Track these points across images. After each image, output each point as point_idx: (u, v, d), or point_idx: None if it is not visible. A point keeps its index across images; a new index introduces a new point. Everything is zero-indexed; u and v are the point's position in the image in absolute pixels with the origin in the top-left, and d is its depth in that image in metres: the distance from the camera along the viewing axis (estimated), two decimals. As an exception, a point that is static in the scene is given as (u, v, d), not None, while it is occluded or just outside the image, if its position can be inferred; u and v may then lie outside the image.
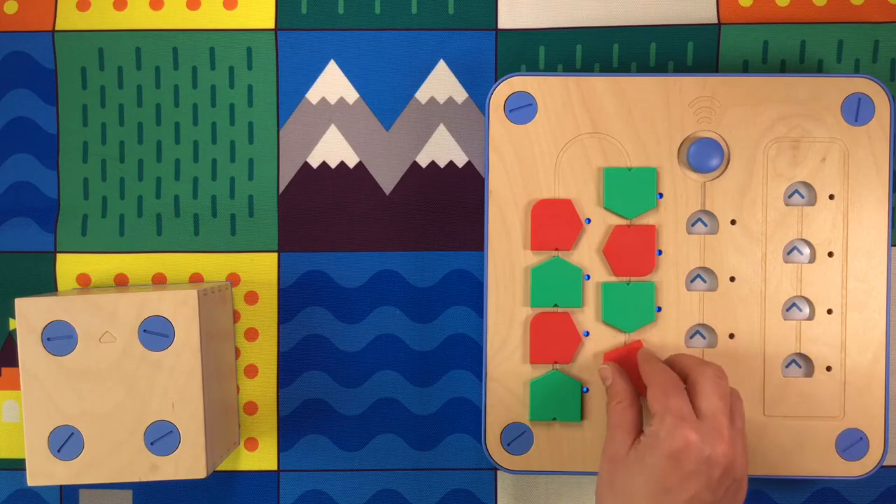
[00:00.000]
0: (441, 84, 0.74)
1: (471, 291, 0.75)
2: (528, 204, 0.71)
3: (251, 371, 0.75)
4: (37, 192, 0.75)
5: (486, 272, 0.71)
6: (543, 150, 0.71)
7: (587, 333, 0.71)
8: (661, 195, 0.71)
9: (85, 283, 0.75)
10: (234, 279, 0.75)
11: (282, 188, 0.75)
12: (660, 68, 0.74)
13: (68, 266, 0.74)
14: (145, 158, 0.75)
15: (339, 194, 0.75)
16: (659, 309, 0.71)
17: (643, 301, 0.70)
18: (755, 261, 0.70)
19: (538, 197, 0.71)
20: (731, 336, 0.70)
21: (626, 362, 0.70)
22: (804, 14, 0.73)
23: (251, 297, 0.75)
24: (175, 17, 0.74)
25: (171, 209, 0.75)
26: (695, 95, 0.70)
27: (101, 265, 0.75)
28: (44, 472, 0.65)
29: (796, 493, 0.75)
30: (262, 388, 0.75)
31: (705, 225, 0.71)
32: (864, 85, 0.70)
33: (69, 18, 0.74)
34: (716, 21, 0.73)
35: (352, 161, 0.75)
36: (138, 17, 0.74)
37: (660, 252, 0.71)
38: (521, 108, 0.70)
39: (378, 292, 0.75)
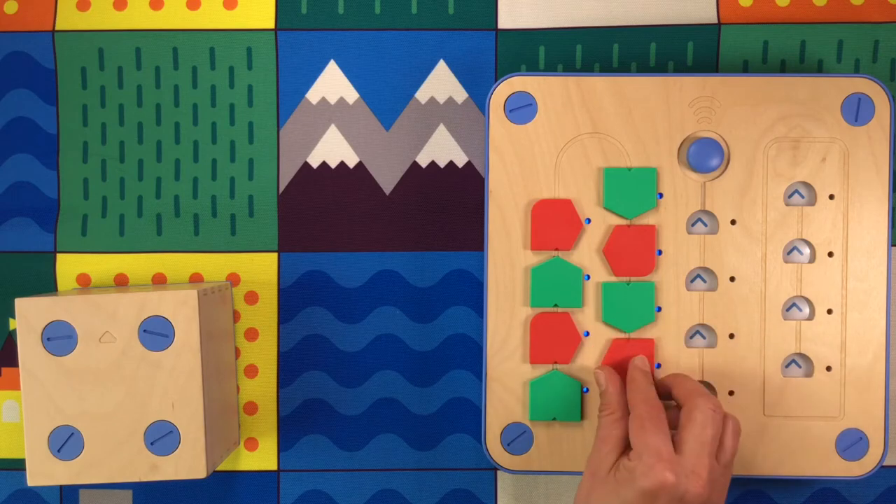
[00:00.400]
0: (441, 84, 0.74)
1: (471, 291, 0.75)
2: (528, 204, 0.71)
3: (251, 371, 0.75)
4: (37, 192, 0.75)
5: (486, 272, 0.71)
6: (543, 150, 0.71)
7: (587, 333, 0.71)
8: (661, 195, 0.71)
9: (85, 283, 0.75)
10: (234, 279, 0.75)
11: (282, 188, 0.75)
12: (660, 68, 0.74)
13: (68, 266, 0.74)
14: (145, 158, 0.75)
15: (339, 194, 0.75)
16: (659, 309, 0.71)
17: (643, 301, 0.70)
18: (755, 261, 0.70)
19: (538, 197, 0.71)
20: (731, 336, 0.70)
21: (625, 365, 0.70)
22: (804, 14, 0.73)
23: (251, 297, 0.75)
24: (175, 17, 0.74)
25: (171, 209, 0.75)
26: (695, 95, 0.70)
27: (101, 265, 0.75)
28: (44, 472, 0.65)
29: (796, 493, 0.75)
30: (262, 388, 0.75)
31: (705, 225, 0.71)
32: (864, 85, 0.70)
33: (69, 18, 0.74)
34: (716, 21, 0.73)
35: (352, 161, 0.75)
36: (138, 17, 0.74)
37: (660, 252, 0.71)
38: (521, 108, 0.70)
39: (378, 292, 0.75)
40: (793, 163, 0.70)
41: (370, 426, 0.75)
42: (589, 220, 0.71)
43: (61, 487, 0.75)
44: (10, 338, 0.75)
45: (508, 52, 0.74)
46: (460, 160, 0.74)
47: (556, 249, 0.71)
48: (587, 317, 0.71)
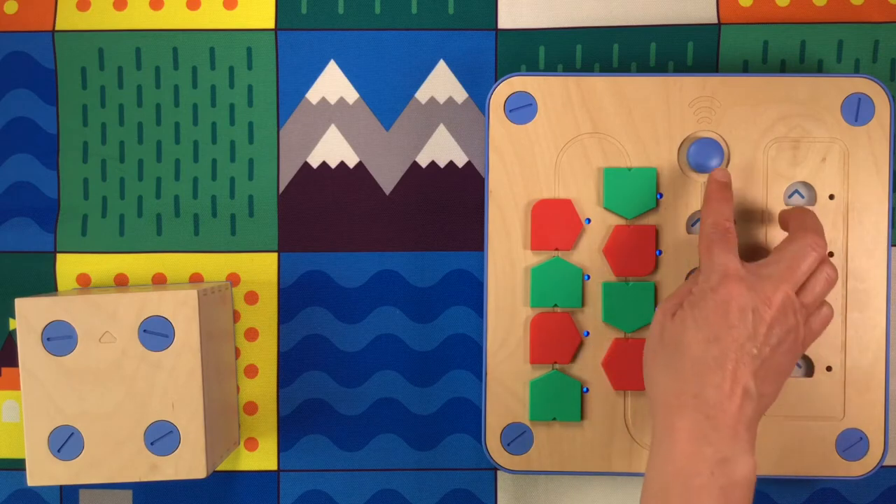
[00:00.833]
0: (441, 84, 0.74)
1: (471, 291, 0.75)
2: (528, 204, 0.71)
3: (251, 371, 0.75)
4: (37, 192, 0.75)
5: (486, 272, 0.71)
6: (543, 150, 0.71)
7: (587, 333, 0.71)
8: (661, 195, 0.71)
9: (85, 283, 0.75)
10: (234, 279, 0.75)
11: (282, 188, 0.75)
12: (660, 68, 0.74)
13: (68, 266, 0.74)
14: (145, 158, 0.75)
15: (339, 194, 0.75)
16: (659, 309, 0.71)
17: (643, 301, 0.70)
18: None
19: (538, 197, 0.71)
20: (731, 336, 0.70)
21: (625, 365, 0.70)
22: (804, 14, 0.73)
23: (251, 297, 0.75)
24: (175, 17, 0.74)
25: (171, 209, 0.75)
26: (695, 95, 0.70)
27: (101, 265, 0.75)
28: (44, 472, 0.65)
29: (796, 493, 0.75)
30: (262, 388, 0.75)
31: (705, 225, 0.71)
32: (864, 85, 0.70)
33: (69, 18, 0.74)
34: (716, 21, 0.73)
35: (352, 161, 0.75)
36: (138, 17, 0.74)
37: (660, 252, 0.71)
38: (521, 108, 0.70)
39: (378, 292, 0.75)
40: (793, 163, 0.70)
41: (370, 426, 0.75)
42: (589, 220, 0.71)
43: (61, 487, 0.75)
44: (10, 338, 0.75)
45: (508, 52, 0.74)
46: (460, 160, 0.74)
47: (556, 249, 0.71)
48: (587, 317, 0.71)
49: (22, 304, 0.65)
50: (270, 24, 0.74)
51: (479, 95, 0.74)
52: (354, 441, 0.75)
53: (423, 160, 0.74)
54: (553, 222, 0.70)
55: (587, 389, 0.71)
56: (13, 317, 0.75)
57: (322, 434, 0.75)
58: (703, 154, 0.70)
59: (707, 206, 0.66)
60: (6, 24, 0.74)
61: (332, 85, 0.74)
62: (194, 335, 0.65)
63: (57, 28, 0.74)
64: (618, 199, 0.70)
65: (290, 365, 0.75)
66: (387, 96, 0.74)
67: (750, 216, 0.70)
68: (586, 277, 0.71)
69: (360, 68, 0.74)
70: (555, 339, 0.71)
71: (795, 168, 0.70)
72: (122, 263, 0.75)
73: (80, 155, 0.75)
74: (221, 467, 0.75)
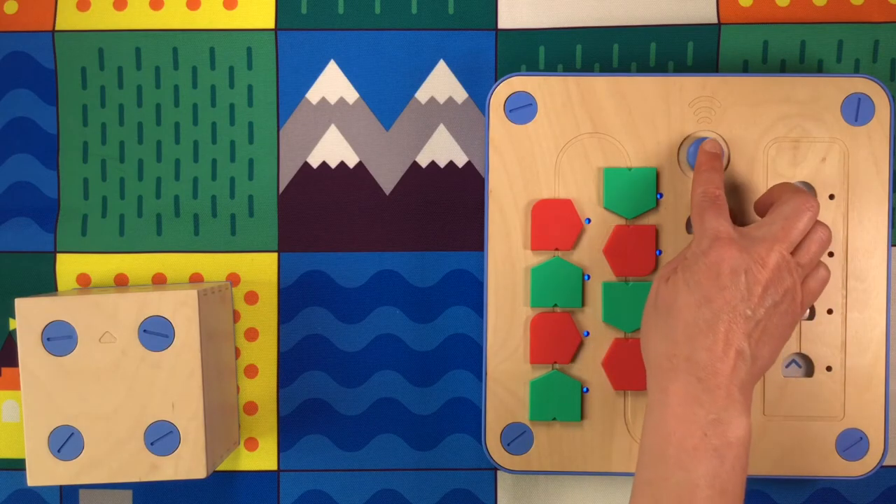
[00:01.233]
0: (441, 84, 0.74)
1: (471, 291, 0.75)
2: (528, 204, 0.71)
3: (251, 371, 0.75)
4: (37, 192, 0.75)
5: (486, 272, 0.71)
6: (543, 150, 0.71)
7: (587, 333, 0.71)
8: (661, 195, 0.71)
9: (85, 283, 0.75)
10: (234, 279, 0.75)
11: (282, 188, 0.75)
12: (660, 68, 0.74)
13: (68, 266, 0.74)
14: (145, 158, 0.75)
15: (339, 194, 0.75)
16: (659, 309, 0.71)
17: (643, 301, 0.70)
18: (755, 261, 0.70)
19: (538, 197, 0.71)
20: (731, 336, 0.70)
21: (625, 365, 0.70)
22: (804, 14, 0.73)
23: (251, 297, 0.75)
24: (175, 17, 0.74)
25: (171, 209, 0.75)
26: (695, 95, 0.70)
27: (101, 265, 0.75)
28: (44, 472, 0.65)
29: (796, 493, 0.75)
30: (262, 388, 0.75)
31: (705, 225, 0.71)
32: (864, 85, 0.70)
33: (69, 18, 0.74)
34: (716, 21, 0.73)
35: (352, 161, 0.75)
36: (138, 17, 0.74)
37: (660, 252, 0.71)
38: (521, 108, 0.70)
39: (378, 292, 0.75)
40: (793, 163, 0.70)
41: (370, 426, 0.75)
42: (589, 220, 0.71)
43: (61, 487, 0.75)
44: (10, 338, 0.75)
45: (508, 52, 0.74)
46: (460, 160, 0.74)
47: (556, 249, 0.71)
48: (587, 317, 0.71)
49: (22, 304, 0.65)
50: (270, 24, 0.74)
51: (479, 95, 0.74)
52: (354, 441, 0.75)
53: (423, 160, 0.74)
54: (553, 222, 0.70)
55: (587, 389, 0.71)
56: (13, 317, 0.75)
57: (322, 434, 0.75)
58: (703, 154, 0.70)
59: (697, 175, 0.66)
60: (6, 24, 0.74)
61: (332, 85, 0.74)
62: (194, 335, 0.65)
63: (57, 28, 0.74)
64: (618, 199, 0.70)
65: (290, 365, 0.75)
66: (387, 96, 0.74)
67: (750, 216, 0.70)
68: (586, 277, 0.71)
69: (360, 68, 0.74)
70: (555, 339, 0.71)
71: (795, 168, 0.70)
72: (122, 263, 0.75)
73: (80, 155, 0.75)
74: (221, 467, 0.75)
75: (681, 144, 0.70)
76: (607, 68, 0.74)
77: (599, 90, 0.70)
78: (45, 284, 0.75)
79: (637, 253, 0.70)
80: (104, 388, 0.65)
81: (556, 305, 0.71)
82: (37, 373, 0.65)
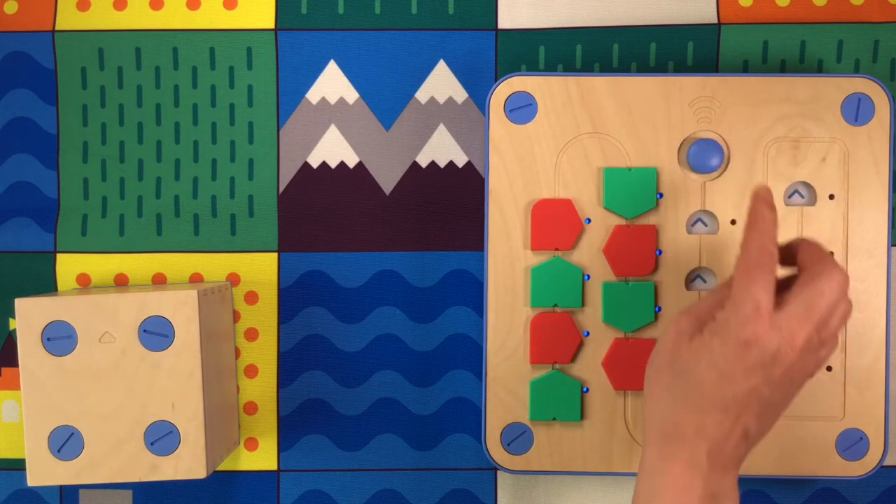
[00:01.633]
0: (441, 84, 0.74)
1: (471, 291, 0.74)
2: (528, 204, 0.71)
3: (251, 371, 0.75)
4: (37, 192, 0.75)
5: (486, 272, 0.71)
6: (543, 150, 0.71)
7: (587, 333, 0.71)
8: (661, 195, 0.71)
9: (85, 283, 0.75)
10: (234, 279, 0.75)
11: (282, 188, 0.75)
12: (660, 68, 0.74)
13: (68, 266, 0.74)
14: (145, 158, 0.75)
15: (339, 194, 0.75)
16: (659, 309, 0.71)
17: (643, 301, 0.70)
18: (755, 261, 0.70)
19: (538, 197, 0.71)
20: (731, 336, 0.70)
21: (625, 365, 0.70)
22: (804, 14, 0.73)
23: (251, 297, 0.75)
24: (175, 17, 0.74)
25: (171, 209, 0.75)
26: (695, 95, 0.70)
27: (101, 265, 0.75)
28: (44, 472, 0.65)
29: (796, 493, 0.75)
30: (262, 388, 0.75)
31: (705, 225, 0.71)
32: (864, 85, 0.70)
33: (69, 18, 0.74)
34: (716, 21, 0.73)
35: (352, 161, 0.75)
36: (138, 17, 0.74)
37: (660, 252, 0.71)
38: (521, 108, 0.71)
39: (378, 292, 0.75)
40: (793, 163, 0.70)
41: (370, 426, 0.75)
42: (589, 220, 0.71)
43: (61, 487, 0.75)
44: (10, 338, 0.75)
45: (508, 52, 0.74)
46: (460, 160, 0.74)
47: (556, 249, 0.71)
48: (587, 317, 0.71)
49: (22, 304, 0.65)
50: (270, 24, 0.74)
51: (479, 95, 0.74)
52: (354, 441, 0.75)
53: (423, 160, 0.74)
54: (553, 222, 0.70)
55: (587, 389, 0.71)
56: (13, 317, 0.75)
57: (322, 434, 0.75)
58: (703, 154, 0.70)
59: (754, 225, 0.60)
60: (6, 24, 0.74)
61: (332, 85, 0.74)
62: (194, 335, 0.65)
63: (57, 28, 0.74)
64: (618, 199, 0.70)
65: (290, 365, 0.75)
66: (387, 96, 0.74)
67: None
68: (586, 277, 0.71)
69: (360, 68, 0.74)
70: (555, 339, 0.71)
71: (795, 168, 0.70)
72: (122, 263, 0.75)
73: (80, 155, 0.75)
74: (221, 467, 0.75)
75: (681, 144, 0.70)
76: (607, 68, 0.74)
77: (599, 90, 0.70)
78: (45, 284, 0.75)
79: (637, 253, 0.70)
80: (104, 388, 0.65)
81: (556, 305, 0.71)
82: (37, 373, 0.65)
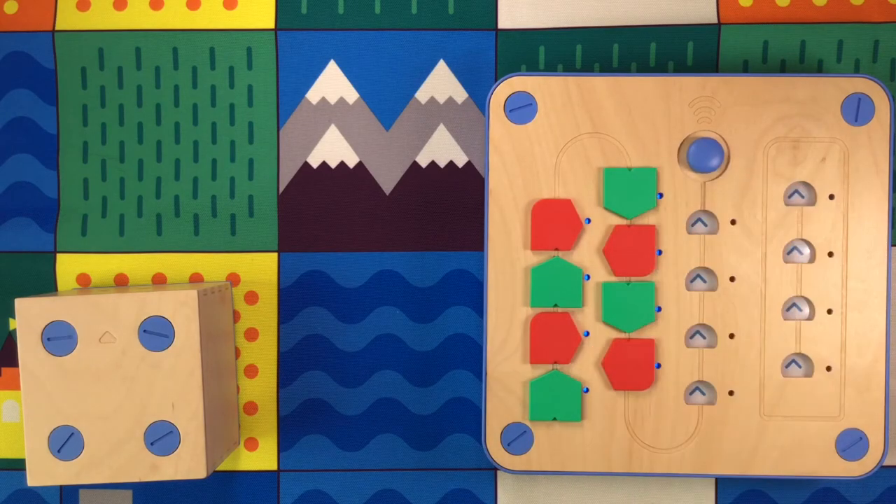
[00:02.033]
0: (441, 84, 0.74)
1: (471, 291, 0.75)
2: (528, 204, 0.71)
3: (251, 371, 0.75)
4: (37, 192, 0.75)
5: (486, 272, 0.71)
6: (543, 150, 0.71)
7: (587, 333, 0.71)
8: (661, 195, 0.71)
9: (85, 283, 0.75)
10: (234, 279, 0.75)
11: (282, 188, 0.75)
12: (660, 68, 0.74)
13: (68, 266, 0.74)
14: (145, 158, 0.75)
15: (339, 194, 0.75)
16: (659, 309, 0.71)
17: (643, 301, 0.70)
18: (755, 261, 0.70)
19: (538, 197, 0.71)
20: (731, 336, 0.70)
21: (625, 365, 0.70)
22: (804, 14, 0.73)
23: (251, 297, 0.75)
24: (175, 17, 0.74)
25: (171, 209, 0.75)
26: (695, 95, 0.70)
27: (101, 265, 0.75)
28: (44, 472, 0.65)
29: (796, 493, 0.75)
30: (262, 388, 0.75)
31: (705, 225, 0.71)
32: (864, 85, 0.70)
33: (69, 18, 0.74)
34: (716, 21, 0.73)
35: (352, 161, 0.75)
36: (138, 17, 0.74)
37: (660, 252, 0.71)
38: (521, 108, 0.71)
39: (378, 292, 0.75)
40: (793, 163, 0.70)
41: (370, 426, 0.75)
42: (589, 220, 0.71)
43: (61, 487, 0.75)
44: (10, 338, 0.75)
45: (508, 52, 0.74)
46: (460, 160, 0.74)
47: (556, 249, 0.71)
48: (587, 317, 0.71)
49: (22, 304, 0.65)
50: (270, 24, 0.74)
51: (479, 95, 0.74)
52: (354, 441, 0.75)
53: (423, 160, 0.74)
54: (553, 222, 0.70)
55: (587, 389, 0.71)
56: (13, 317, 0.75)
57: (322, 434, 0.75)
58: (703, 154, 0.70)
59: None
60: (6, 24, 0.74)
61: (332, 85, 0.74)
62: (194, 335, 0.65)
63: (57, 28, 0.74)
64: (618, 199, 0.70)
65: (290, 365, 0.75)
66: (387, 96, 0.74)
67: (750, 216, 0.70)
68: (586, 277, 0.71)
69: (360, 68, 0.74)
70: (555, 339, 0.71)
71: (795, 168, 0.70)
72: (122, 263, 0.75)
73: (80, 155, 0.75)
74: (221, 467, 0.75)
75: (681, 144, 0.70)
76: (607, 68, 0.74)
77: (599, 90, 0.70)
78: (45, 284, 0.75)
79: (637, 253, 0.70)
80: (104, 388, 0.65)
81: (556, 305, 0.71)
82: (37, 373, 0.65)
